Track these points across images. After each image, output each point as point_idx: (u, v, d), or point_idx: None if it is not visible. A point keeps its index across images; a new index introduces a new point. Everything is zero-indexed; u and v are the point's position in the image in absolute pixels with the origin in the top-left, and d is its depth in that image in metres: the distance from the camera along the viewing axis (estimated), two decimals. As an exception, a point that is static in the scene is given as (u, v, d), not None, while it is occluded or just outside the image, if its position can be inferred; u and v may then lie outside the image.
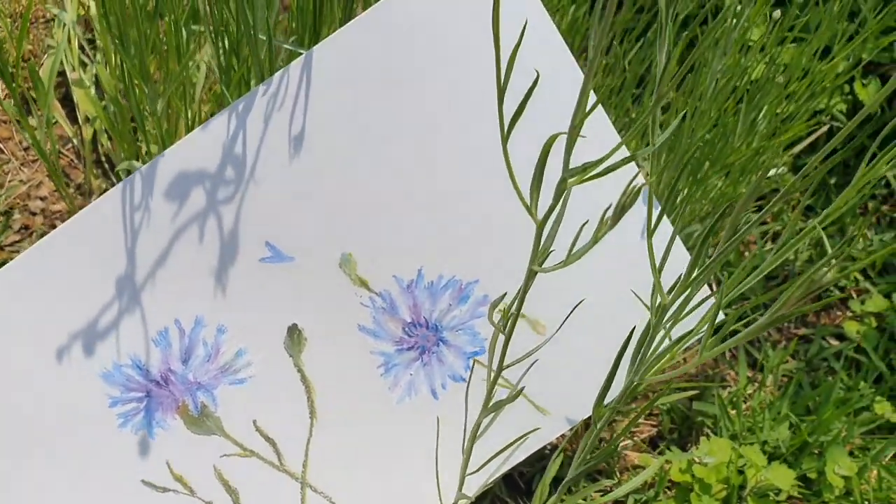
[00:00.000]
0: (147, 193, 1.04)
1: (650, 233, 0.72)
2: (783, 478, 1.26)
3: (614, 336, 0.93)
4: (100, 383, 1.12)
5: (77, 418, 1.11)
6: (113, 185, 1.60)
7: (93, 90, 1.62)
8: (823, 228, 1.70)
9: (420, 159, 1.09)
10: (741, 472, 1.30)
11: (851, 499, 1.31)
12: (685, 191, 1.32)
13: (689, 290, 0.73)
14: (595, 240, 0.64)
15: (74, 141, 1.65)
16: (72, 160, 1.71)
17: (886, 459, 1.39)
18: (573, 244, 0.70)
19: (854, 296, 1.63)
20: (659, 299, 0.74)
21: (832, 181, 1.72)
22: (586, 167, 0.64)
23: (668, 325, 0.78)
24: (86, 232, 1.06)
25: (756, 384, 1.50)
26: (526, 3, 1.03)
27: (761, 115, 1.28)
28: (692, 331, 0.82)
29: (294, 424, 1.17)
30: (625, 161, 0.63)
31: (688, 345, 1.16)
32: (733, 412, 1.41)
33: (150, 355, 1.12)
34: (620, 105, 1.47)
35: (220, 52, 1.01)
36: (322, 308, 1.14)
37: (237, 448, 1.16)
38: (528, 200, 0.68)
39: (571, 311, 0.96)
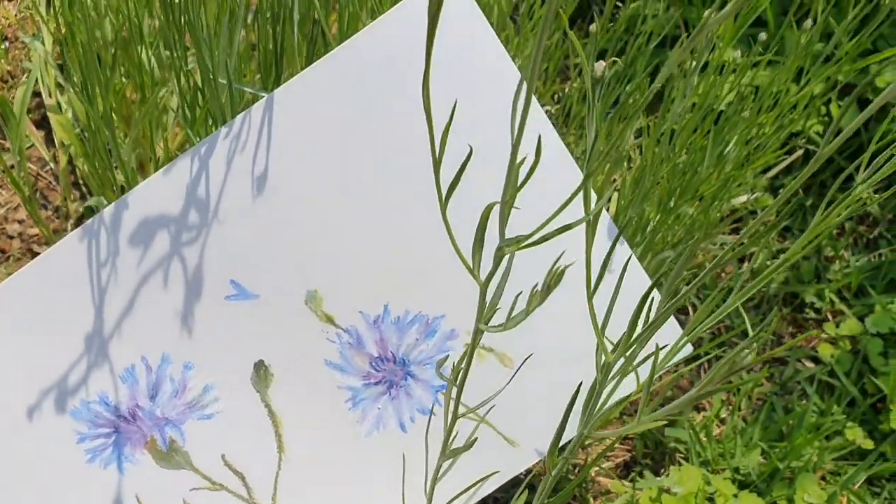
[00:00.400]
0: (112, 237, 1.04)
1: (590, 296, 0.73)
2: (752, 507, 1.27)
3: (581, 368, 0.94)
4: (68, 420, 1.12)
5: (45, 454, 1.12)
6: (90, 210, 1.61)
7: (70, 113, 1.63)
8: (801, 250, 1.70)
9: (383, 197, 1.09)
10: (711, 501, 1.31)
11: (821, 527, 1.32)
12: (656, 219, 1.32)
13: (633, 347, 0.73)
14: (528, 311, 0.64)
15: (52, 165, 1.66)
16: (50, 182, 1.71)
17: (856, 486, 1.40)
18: (513, 307, 0.71)
19: (830, 317, 1.63)
20: (603, 357, 0.75)
21: (808, 202, 1.72)
22: (519, 239, 0.64)
23: (614, 381, 0.78)
24: (51, 274, 1.06)
25: (730, 407, 1.51)
26: (485, 44, 1.04)
27: (731, 145, 1.28)
28: (654, 368, 0.82)
29: (262, 458, 1.18)
30: (560, 230, 0.63)
31: (664, 369, 1.17)
32: (705, 439, 1.42)
33: (117, 392, 1.13)
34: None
35: (183, 94, 1.02)
36: (288, 344, 1.14)
37: (206, 482, 1.17)
38: (472, 261, 0.69)
39: (521, 365, 0.96)
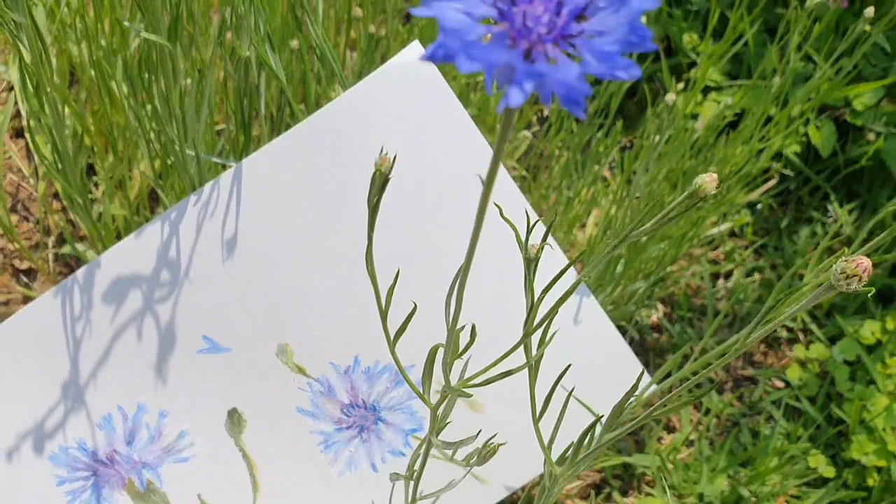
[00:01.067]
0: (86, 295, 1.06)
1: (535, 420, 0.75)
2: (712, 541, 1.31)
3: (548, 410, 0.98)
4: (47, 464, 1.16)
5: (26, 496, 1.16)
6: (69, 222, 1.63)
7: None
8: (773, 269, 1.72)
9: (350, 256, 1.11)
10: (674, 532, 1.35)
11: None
12: (623, 260, 1.34)
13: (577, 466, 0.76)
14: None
15: (31, 181, 1.67)
16: (31, 193, 1.72)
17: (818, 513, 1.44)
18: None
19: (801, 337, 1.66)
20: (551, 469, 0.77)
21: (784, 223, 1.73)
22: (466, 381, 0.66)
23: (565, 476, 0.81)
24: (28, 329, 1.09)
25: (700, 428, 1.54)
26: (454, 118, 1.04)
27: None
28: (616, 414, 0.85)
29: (238, 498, 1.22)
30: (500, 376, 0.66)
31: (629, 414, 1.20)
32: (671, 466, 1.46)
33: (95, 438, 1.16)
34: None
35: (153, 159, 1.03)
36: (261, 393, 1.17)
37: (183, 520, 1.21)
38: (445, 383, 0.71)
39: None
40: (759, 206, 1.74)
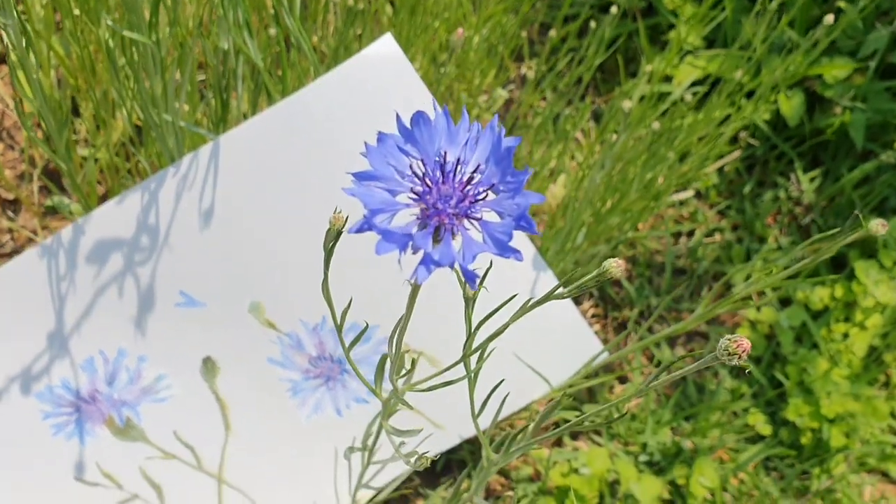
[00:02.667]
0: (70, 256, 1.13)
1: (474, 417, 0.83)
2: (649, 490, 1.43)
3: (500, 363, 1.08)
4: (33, 401, 1.25)
5: (15, 429, 1.25)
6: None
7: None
8: (734, 230, 1.80)
9: (319, 227, 1.18)
10: (615, 483, 1.46)
11: (712, 504, 1.49)
12: (586, 228, 1.41)
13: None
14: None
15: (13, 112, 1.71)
16: (17, 121, 1.76)
17: (752, 466, 1.55)
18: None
19: (755, 298, 1.75)
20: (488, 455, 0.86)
21: (748, 187, 1.80)
22: (412, 386, 0.74)
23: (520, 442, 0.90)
24: (13, 284, 1.16)
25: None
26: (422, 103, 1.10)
27: (656, 173, 1.35)
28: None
29: (211, 435, 1.31)
30: (443, 385, 0.74)
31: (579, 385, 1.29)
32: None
33: (78, 379, 1.25)
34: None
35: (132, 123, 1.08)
36: (233, 344, 1.26)
37: (160, 452, 1.31)
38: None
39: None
40: (724, 169, 1.80)
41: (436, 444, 1.37)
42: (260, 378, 1.29)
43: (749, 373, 1.65)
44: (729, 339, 0.59)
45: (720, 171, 1.80)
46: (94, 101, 1.21)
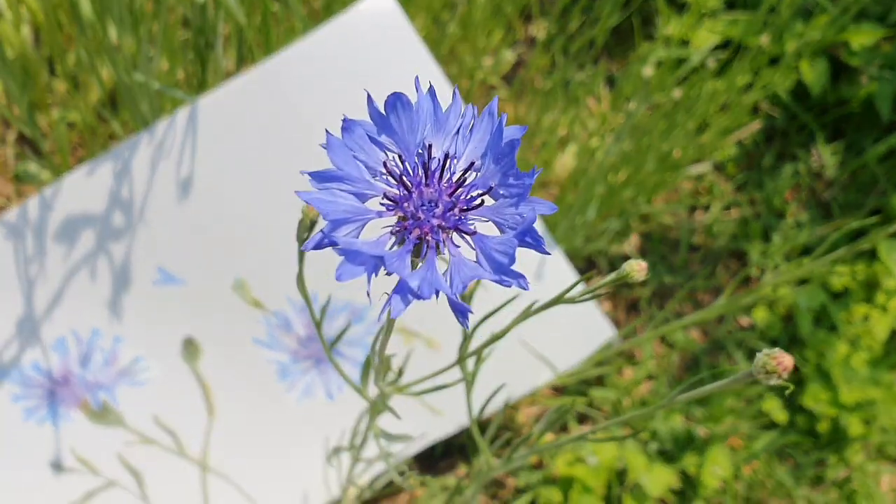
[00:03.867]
0: (37, 235, 1.04)
1: (473, 423, 0.75)
2: (659, 481, 1.35)
3: (505, 346, 0.99)
4: (1, 383, 1.16)
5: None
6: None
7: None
8: (751, 204, 1.71)
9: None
10: (623, 473, 1.38)
11: (725, 494, 1.40)
12: (597, 202, 1.31)
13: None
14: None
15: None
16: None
17: (766, 455, 1.47)
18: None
19: (772, 278, 1.66)
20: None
21: (767, 160, 1.70)
22: (402, 387, 0.66)
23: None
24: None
25: (662, 364, 1.56)
26: (417, 60, 1.00)
27: (671, 148, 1.26)
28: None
29: (194, 420, 1.23)
30: (435, 389, 0.65)
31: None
32: (628, 401, 1.48)
33: (49, 359, 1.16)
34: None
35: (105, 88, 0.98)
36: (216, 324, 1.17)
37: (139, 438, 1.22)
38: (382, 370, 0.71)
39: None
40: (743, 141, 1.70)
41: (433, 432, 1.29)
42: (245, 360, 1.20)
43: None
44: (767, 356, 0.50)
45: (739, 143, 1.71)
46: (66, 61, 1.11)
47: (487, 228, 0.38)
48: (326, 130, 0.37)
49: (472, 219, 0.37)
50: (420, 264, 0.36)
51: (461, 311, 0.35)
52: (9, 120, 1.58)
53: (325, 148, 0.36)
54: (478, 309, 0.63)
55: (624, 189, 1.32)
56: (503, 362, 1.16)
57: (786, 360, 0.50)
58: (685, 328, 1.62)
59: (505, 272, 0.35)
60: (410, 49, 0.96)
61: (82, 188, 1.02)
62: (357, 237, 0.36)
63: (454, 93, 0.39)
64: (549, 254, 0.37)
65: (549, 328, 1.23)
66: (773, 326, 1.57)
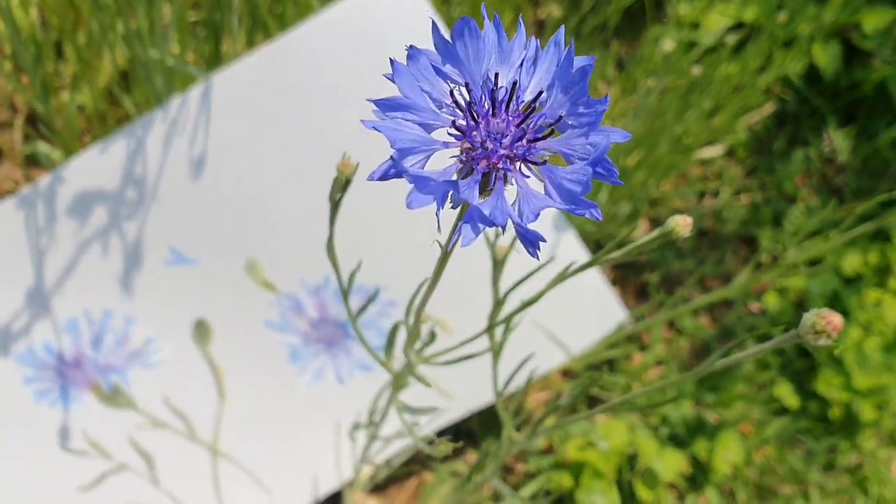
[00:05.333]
0: (49, 209, 1.03)
1: (498, 395, 0.74)
2: (671, 466, 1.34)
3: (516, 331, 0.98)
4: (13, 364, 1.16)
5: (-6, 393, 1.16)
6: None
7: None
8: (762, 189, 1.70)
9: (323, 176, 1.08)
10: (634, 458, 1.38)
11: (737, 480, 1.40)
12: (608, 187, 1.31)
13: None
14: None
15: None
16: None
17: (778, 440, 1.47)
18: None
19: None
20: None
21: (778, 144, 1.69)
22: (428, 358, 0.65)
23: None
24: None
25: (671, 350, 1.55)
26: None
27: (683, 131, 1.25)
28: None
29: (205, 403, 1.23)
30: (462, 358, 0.64)
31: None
32: (638, 385, 1.47)
33: (60, 341, 1.16)
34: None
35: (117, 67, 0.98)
36: (228, 305, 1.16)
37: (150, 420, 1.22)
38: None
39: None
40: (754, 125, 1.69)
41: (444, 415, 1.29)
42: (256, 342, 1.20)
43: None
44: (817, 315, 0.49)
45: (750, 128, 1.70)
46: (76, 42, 1.10)
47: (555, 162, 0.38)
48: (391, 59, 0.36)
49: (541, 151, 0.37)
50: (488, 194, 0.36)
51: (532, 241, 0.34)
52: (16, 104, 1.58)
53: (389, 78, 0.36)
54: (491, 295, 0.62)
55: (635, 172, 1.31)
56: (516, 347, 1.16)
57: (836, 320, 0.49)
58: (695, 314, 1.61)
59: (576, 202, 0.34)
60: (426, 24, 0.95)
61: (96, 165, 1.01)
62: (423, 168, 0.36)
63: (519, 24, 0.39)
64: (622, 184, 0.36)
65: (562, 311, 1.23)
66: (784, 312, 1.56)
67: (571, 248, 1.18)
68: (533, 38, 0.39)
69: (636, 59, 1.36)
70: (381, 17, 0.95)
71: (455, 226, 0.39)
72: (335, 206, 0.55)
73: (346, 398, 1.24)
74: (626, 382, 1.48)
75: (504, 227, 0.35)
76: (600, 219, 0.35)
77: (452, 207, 0.36)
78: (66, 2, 1.19)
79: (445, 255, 0.42)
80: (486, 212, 0.34)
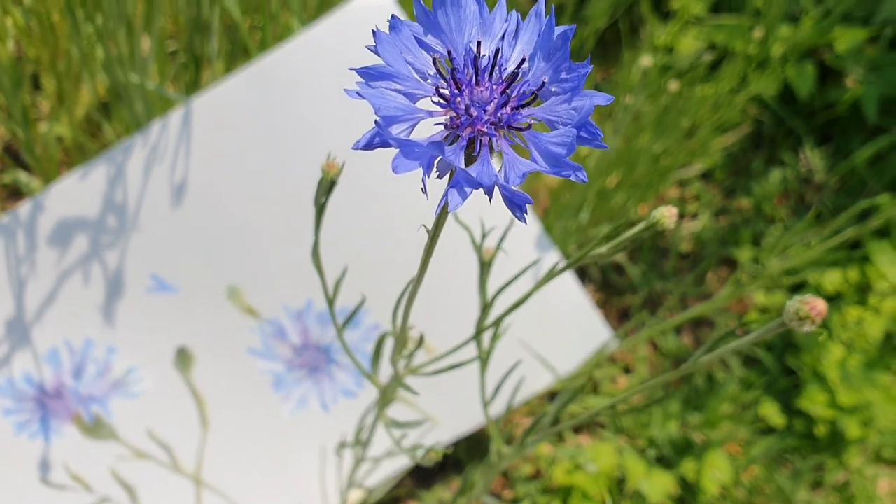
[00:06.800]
0: (29, 237, 1.03)
1: (485, 406, 0.74)
2: (659, 487, 1.33)
3: (500, 353, 0.98)
4: (-8, 396, 1.14)
5: (-29, 427, 1.15)
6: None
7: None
8: (740, 212, 1.71)
9: (304, 199, 1.08)
10: (622, 481, 1.37)
11: (725, 500, 1.39)
12: (590, 208, 1.32)
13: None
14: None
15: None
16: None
17: (764, 459, 1.46)
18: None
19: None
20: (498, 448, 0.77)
21: (755, 165, 1.71)
22: (415, 369, 0.65)
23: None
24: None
25: (655, 371, 1.55)
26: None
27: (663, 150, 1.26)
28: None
29: (187, 432, 1.21)
30: (448, 368, 0.64)
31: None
32: (623, 406, 1.47)
33: (42, 372, 1.14)
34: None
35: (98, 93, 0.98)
36: (210, 333, 1.15)
37: (132, 451, 1.20)
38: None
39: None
40: (731, 148, 1.71)
41: (429, 441, 1.28)
42: (239, 370, 1.19)
43: (759, 362, 1.57)
44: (800, 302, 0.49)
45: (726, 150, 1.71)
46: (57, 70, 1.10)
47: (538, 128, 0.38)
48: (373, 29, 0.37)
49: (525, 117, 0.37)
50: (474, 161, 0.36)
51: (519, 204, 0.35)
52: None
53: (371, 50, 0.36)
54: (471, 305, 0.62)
55: (615, 193, 1.32)
56: (503, 367, 1.15)
57: (819, 305, 0.49)
58: (677, 333, 1.61)
59: (561, 164, 0.35)
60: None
61: (76, 191, 1.01)
62: (408, 137, 0.36)
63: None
64: (607, 147, 0.37)
65: (547, 331, 1.22)
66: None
67: (535, 262, 1.18)
68: (514, 11, 0.39)
69: (613, 82, 1.38)
70: (362, 36, 0.95)
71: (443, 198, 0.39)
72: (320, 209, 0.55)
73: (331, 425, 1.23)
74: (611, 404, 1.47)
75: (490, 191, 0.36)
76: (586, 180, 0.35)
77: (439, 177, 0.36)
78: (45, 31, 1.19)
79: (434, 234, 0.42)
80: (473, 173, 0.35)
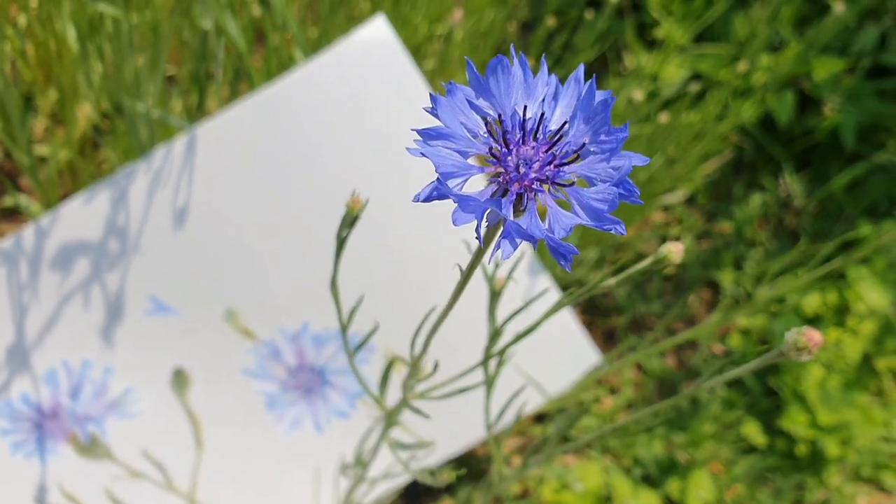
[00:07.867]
0: (33, 261, 1.04)
1: (489, 427, 0.76)
2: (645, 506, 1.36)
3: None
4: (-11, 417, 1.15)
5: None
6: (9, 156, 1.58)
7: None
8: (721, 235, 1.75)
9: (302, 226, 1.10)
10: (609, 500, 1.40)
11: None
12: (578, 232, 1.35)
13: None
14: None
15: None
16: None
17: (747, 478, 1.50)
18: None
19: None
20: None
21: (736, 190, 1.75)
22: (423, 394, 0.67)
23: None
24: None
25: (639, 391, 1.58)
26: (412, 87, 1.03)
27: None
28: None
29: (182, 452, 1.22)
30: (456, 392, 0.67)
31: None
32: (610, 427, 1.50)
33: (39, 392, 1.15)
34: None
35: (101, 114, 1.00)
36: (206, 354, 1.17)
37: (127, 472, 1.22)
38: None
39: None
40: (713, 173, 1.75)
41: (423, 462, 1.30)
42: (234, 391, 1.20)
43: (742, 383, 1.60)
44: (798, 333, 0.52)
45: (708, 176, 1.76)
46: (56, 92, 1.12)
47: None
48: (430, 94, 0.40)
49: (568, 174, 0.41)
50: (522, 213, 0.40)
51: (564, 255, 0.38)
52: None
53: (429, 112, 0.40)
54: (479, 333, 0.65)
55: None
56: (497, 392, 1.18)
57: (816, 337, 0.53)
58: (662, 356, 1.65)
59: (603, 219, 0.39)
60: (406, 77, 0.99)
61: (79, 215, 1.03)
62: (461, 190, 0.40)
63: (542, 62, 0.43)
64: (642, 203, 0.40)
65: (536, 354, 1.25)
66: (748, 353, 1.61)
67: (546, 293, 1.21)
68: (553, 75, 0.43)
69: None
70: (362, 68, 0.98)
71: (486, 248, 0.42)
72: (341, 243, 0.58)
73: (324, 446, 1.25)
74: (598, 425, 1.50)
75: (536, 242, 0.39)
76: (625, 233, 0.38)
77: (488, 227, 0.39)
78: (41, 58, 1.21)
79: (465, 276, 0.45)
80: (524, 226, 0.38)
